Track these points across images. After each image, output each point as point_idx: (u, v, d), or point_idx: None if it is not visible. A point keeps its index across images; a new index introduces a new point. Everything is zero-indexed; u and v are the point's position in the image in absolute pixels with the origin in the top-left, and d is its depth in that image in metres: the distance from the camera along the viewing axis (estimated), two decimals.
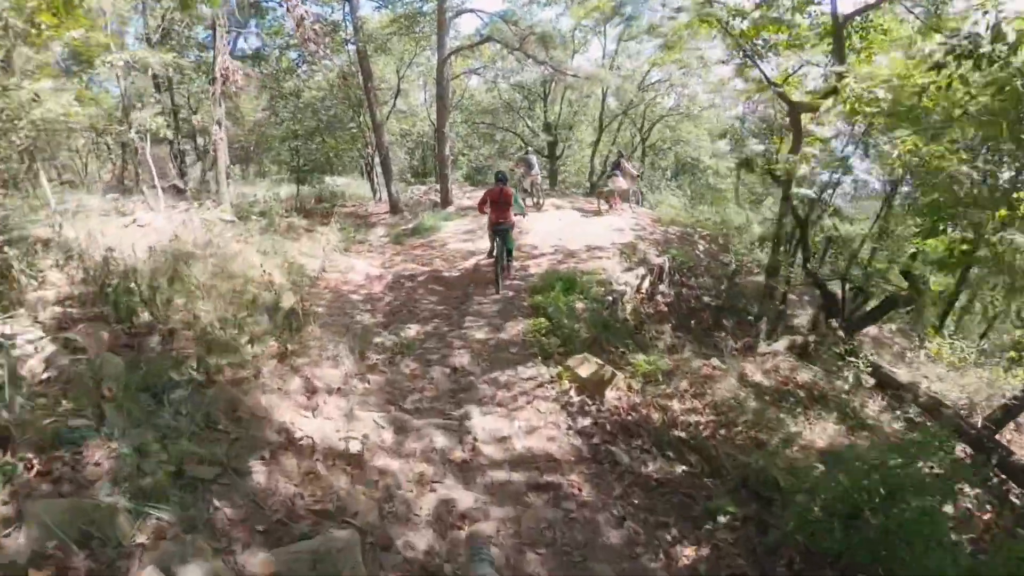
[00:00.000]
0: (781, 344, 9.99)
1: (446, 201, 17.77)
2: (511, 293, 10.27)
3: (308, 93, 20.56)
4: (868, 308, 12.93)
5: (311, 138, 19.74)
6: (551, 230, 14.27)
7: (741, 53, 11.75)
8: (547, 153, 25.83)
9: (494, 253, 10.71)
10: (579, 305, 9.29)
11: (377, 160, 19.38)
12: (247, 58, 18.79)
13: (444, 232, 14.34)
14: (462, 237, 13.81)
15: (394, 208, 18.12)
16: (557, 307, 8.72)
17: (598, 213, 16.48)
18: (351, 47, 18.21)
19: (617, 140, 26.44)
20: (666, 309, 12.56)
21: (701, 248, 16.41)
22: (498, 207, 10.67)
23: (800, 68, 13.24)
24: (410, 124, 31.40)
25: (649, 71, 22.31)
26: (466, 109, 28.10)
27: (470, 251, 12.72)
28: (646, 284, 12.41)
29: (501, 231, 10.55)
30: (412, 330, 8.67)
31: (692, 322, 12.85)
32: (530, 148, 17.14)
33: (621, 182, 16.78)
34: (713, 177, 31.83)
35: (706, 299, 14.10)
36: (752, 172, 18.67)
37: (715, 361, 8.57)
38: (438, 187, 18.84)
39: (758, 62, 11.62)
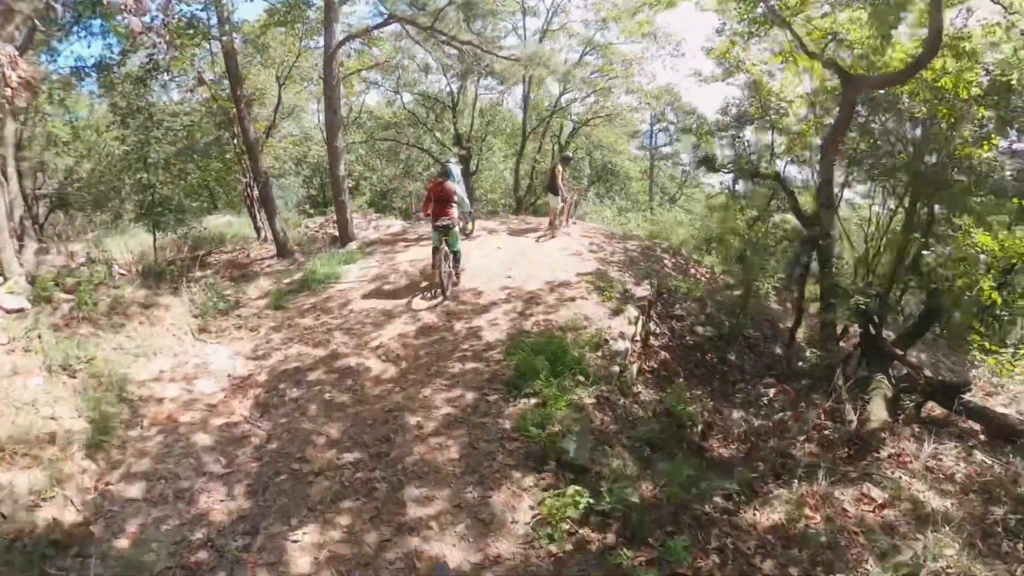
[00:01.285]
0: (878, 408, 6.52)
1: (346, 236, 13.52)
2: (470, 395, 6.27)
3: (167, 109, 15.68)
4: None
5: (168, 167, 14.67)
6: (493, 264, 10.48)
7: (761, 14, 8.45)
8: (460, 169, 21.99)
9: (437, 259, 9.12)
10: (586, 399, 5.46)
11: (261, 191, 14.71)
12: (82, 69, 13.58)
13: (345, 281, 10.17)
14: (371, 287, 9.83)
15: (282, 250, 13.69)
16: (568, 431, 4.81)
17: (547, 234, 12.76)
18: (215, 43, 13.69)
19: (540, 148, 22.97)
20: (668, 357, 9.00)
21: (668, 264, 13.12)
22: (438, 204, 9.39)
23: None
24: (304, 148, 27.03)
25: (582, 57, 18.89)
26: (364, 127, 23.86)
27: (384, 311, 8.68)
28: (640, 329, 8.79)
29: (441, 228, 9.21)
30: (301, 545, 4.28)
31: (698, 368, 9.49)
32: (452, 156, 12.93)
33: (564, 194, 13.16)
34: (635, 183, 29.21)
35: (698, 329, 10.76)
36: (714, 171, 15.83)
37: (872, 490, 4.86)
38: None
39: (792, 20, 8.34)
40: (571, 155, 13.19)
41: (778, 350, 11.14)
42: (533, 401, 5.80)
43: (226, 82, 14.07)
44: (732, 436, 6.85)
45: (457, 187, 9.53)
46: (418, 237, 12.56)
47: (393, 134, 22.66)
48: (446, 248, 9.05)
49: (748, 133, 14.16)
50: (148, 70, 13.28)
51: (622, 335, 8.32)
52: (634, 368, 8.02)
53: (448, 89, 22.13)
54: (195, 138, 15.35)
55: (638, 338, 8.80)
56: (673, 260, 13.63)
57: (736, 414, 8.47)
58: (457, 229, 9.58)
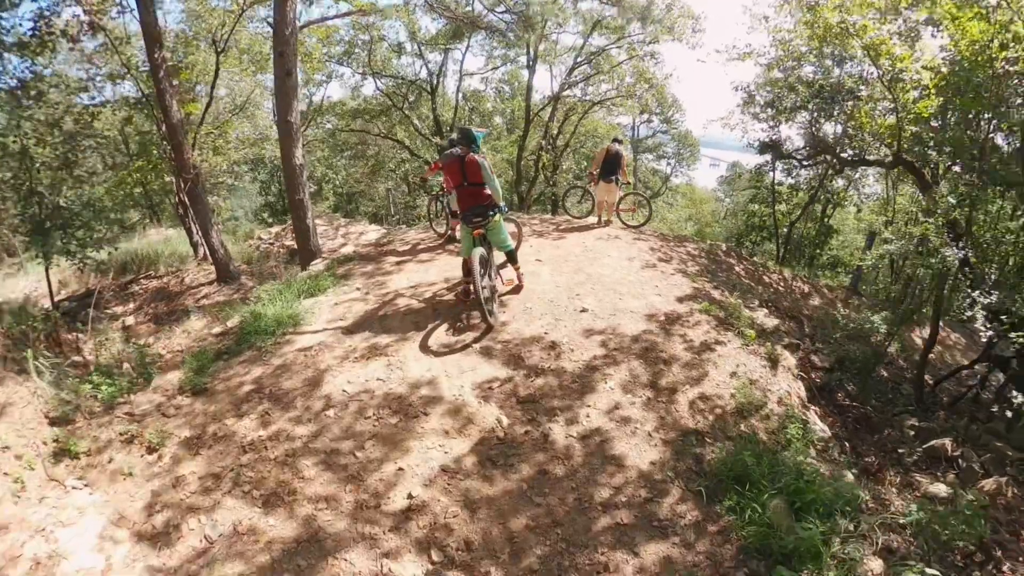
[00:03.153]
0: None
1: (308, 250, 9.52)
2: None
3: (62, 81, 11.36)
4: None
5: (66, 166, 10.35)
6: (547, 287, 6.75)
7: None
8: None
9: (472, 273, 5.47)
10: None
11: (188, 193, 10.57)
12: None
13: (311, 330, 5.84)
14: (358, 341, 5.50)
15: (223, 273, 9.71)
16: None
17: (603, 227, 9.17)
18: None
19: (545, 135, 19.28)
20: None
21: (740, 271, 9.76)
22: (464, 191, 5.84)
23: None
24: (259, 149, 22.88)
25: (593, 30, 15.21)
26: (325, 125, 19.79)
27: (394, 397, 4.59)
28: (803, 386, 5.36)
29: (476, 222, 5.83)
30: None
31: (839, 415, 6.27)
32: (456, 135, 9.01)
33: (617, 185, 9.62)
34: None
35: (814, 359, 7.71)
36: (783, 157, 12.49)
37: None
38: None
39: None
40: (623, 137, 9.70)
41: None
42: None
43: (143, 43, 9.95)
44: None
45: (485, 163, 5.84)
46: (411, 247, 8.73)
47: (361, 125, 18.61)
48: (483, 252, 5.68)
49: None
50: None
51: (802, 403, 4.84)
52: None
53: (426, 71, 18.31)
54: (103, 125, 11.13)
55: (802, 397, 5.34)
56: (741, 265, 10.22)
57: (939, 487, 5.41)
58: (500, 217, 6.04)
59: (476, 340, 5.35)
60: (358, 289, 6.95)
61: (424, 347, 5.18)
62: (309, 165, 25.18)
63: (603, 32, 15.60)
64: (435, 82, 18.32)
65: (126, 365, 5.38)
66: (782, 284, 10.64)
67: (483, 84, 20.55)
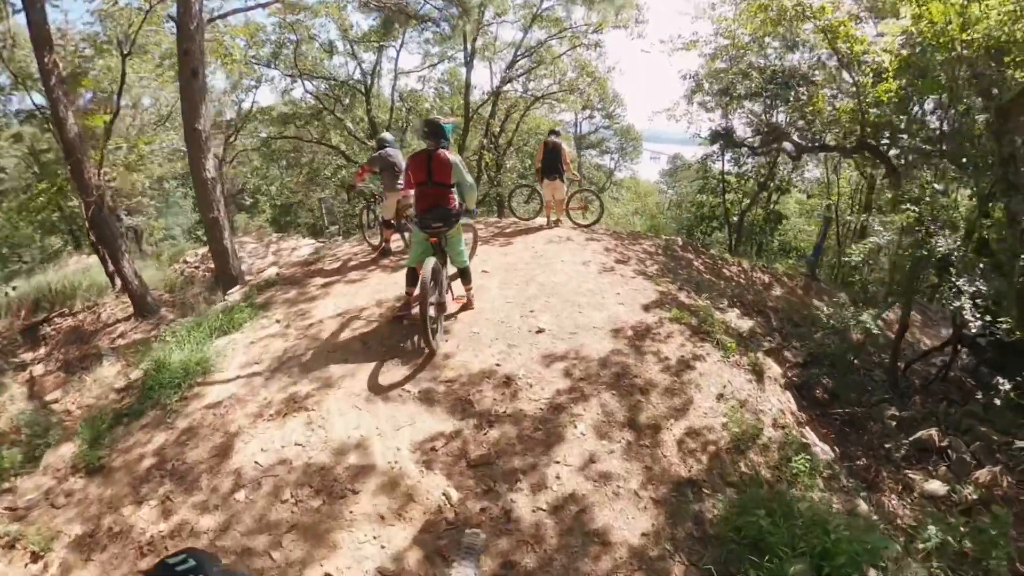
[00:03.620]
0: None
1: (228, 274, 8.39)
2: None
3: None
4: None
5: None
6: (497, 302, 5.89)
7: None
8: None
9: (421, 286, 4.57)
10: None
11: (91, 217, 9.18)
12: None
13: (223, 378, 4.76)
14: (273, 391, 4.43)
15: (140, 306, 8.52)
16: None
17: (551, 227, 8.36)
18: None
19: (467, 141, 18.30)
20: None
21: (699, 265, 9.18)
22: (426, 190, 4.97)
23: None
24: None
25: (533, 20, 14.31)
26: (258, 126, 18.35)
27: (317, 468, 3.52)
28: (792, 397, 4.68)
29: (435, 228, 5.01)
30: None
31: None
32: (387, 135, 7.82)
33: (560, 181, 8.82)
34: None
35: (787, 355, 7.19)
36: (735, 145, 11.94)
37: None
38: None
39: None
40: (560, 129, 8.87)
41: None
42: None
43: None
44: None
45: (457, 160, 4.97)
46: (341, 264, 7.71)
47: (293, 131, 17.27)
48: (436, 263, 4.83)
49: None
50: None
51: (797, 420, 4.14)
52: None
53: (359, 71, 17.12)
54: None
55: (795, 413, 4.65)
56: (699, 259, 9.60)
57: (934, 484, 5.03)
58: (460, 229, 5.31)
59: (415, 373, 4.42)
60: (278, 322, 5.84)
61: (352, 394, 4.19)
62: (241, 176, 23.55)
63: (544, 25, 14.81)
64: (369, 82, 17.15)
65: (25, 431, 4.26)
66: (742, 276, 10.08)
67: (421, 84, 19.46)
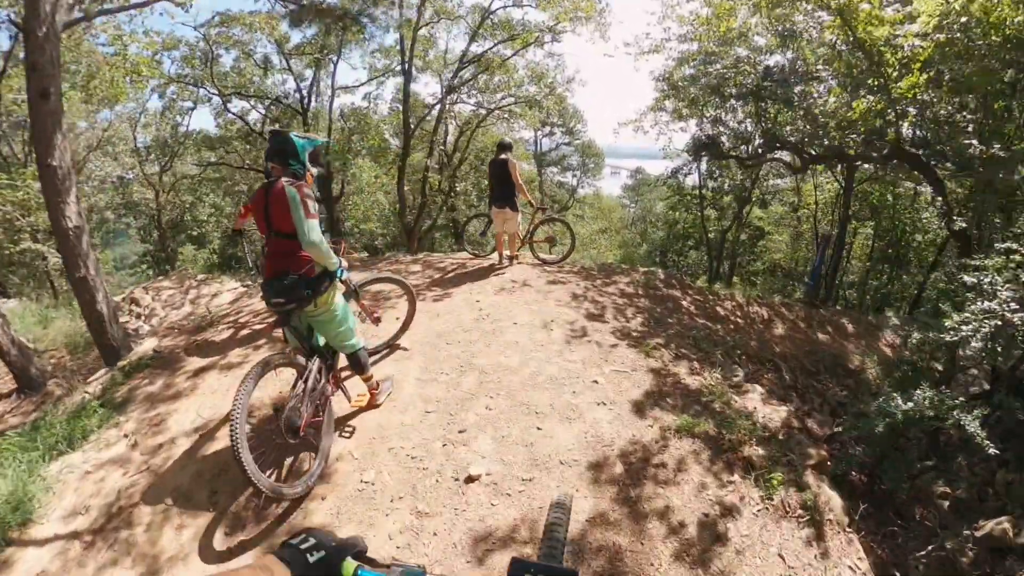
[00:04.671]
0: None
1: (106, 345, 6.07)
2: None
3: None
4: None
5: None
6: (411, 417, 3.62)
7: None
8: (320, 195, 14.77)
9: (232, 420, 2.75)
10: None
11: None
12: None
13: (39, 540, 2.88)
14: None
15: (23, 379, 6.19)
16: None
17: (502, 270, 6.23)
18: None
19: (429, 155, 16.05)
20: None
21: (687, 304, 7.20)
22: (269, 243, 3.13)
23: None
24: (127, 190, 19.19)
25: (483, 21, 12.13)
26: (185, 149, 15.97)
27: None
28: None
29: (278, 304, 3.13)
30: None
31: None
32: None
33: (524, 202, 6.74)
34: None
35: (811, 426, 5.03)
36: (722, 157, 9.94)
37: None
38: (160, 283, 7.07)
39: None
40: (511, 142, 6.80)
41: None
42: None
43: None
44: None
45: (296, 196, 2.83)
46: (233, 332, 5.59)
47: (220, 154, 14.86)
48: (301, 361, 3.24)
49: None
50: None
51: None
52: None
53: (296, 89, 14.85)
54: None
55: None
56: (687, 297, 7.59)
57: None
58: (333, 296, 3.30)
59: None
60: (126, 437, 3.92)
61: None
62: (175, 208, 20.88)
63: (492, 31, 12.76)
64: (306, 100, 14.88)
65: None
66: (739, 314, 8.11)
67: (367, 101, 17.22)
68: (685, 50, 9.39)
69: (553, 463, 3.14)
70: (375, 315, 4.26)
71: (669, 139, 10.45)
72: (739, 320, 7.83)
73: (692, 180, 13.38)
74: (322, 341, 3.40)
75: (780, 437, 3.92)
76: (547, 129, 29.13)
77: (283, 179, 3.00)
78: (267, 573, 0.82)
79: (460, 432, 3.40)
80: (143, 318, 10.04)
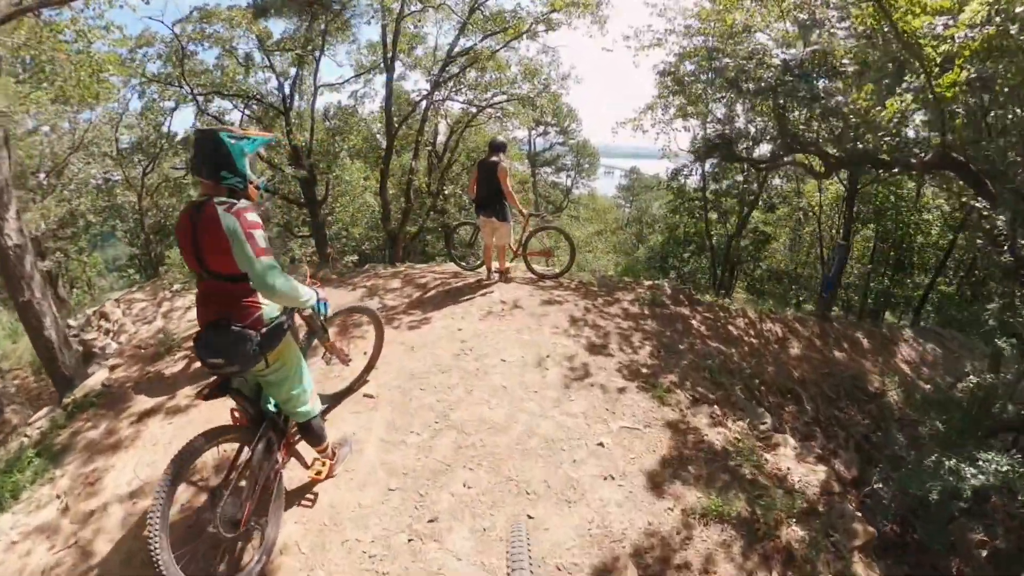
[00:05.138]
0: None
1: (58, 375, 5.29)
2: None
3: None
4: None
5: None
6: (371, 498, 2.85)
7: None
8: (304, 199, 13.97)
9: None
10: None
11: None
12: None
13: None
14: None
15: None
16: None
17: (491, 286, 5.44)
18: None
19: (404, 161, 15.18)
20: None
21: (697, 323, 6.44)
22: (200, 285, 2.40)
23: None
24: (110, 193, 18.52)
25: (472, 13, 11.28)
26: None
27: None
28: None
29: (215, 365, 2.33)
30: None
31: None
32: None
33: (514, 211, 5.93)
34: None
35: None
36: (733, 159, 9.11)
37: None
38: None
39: None
40: (504, 142, 5.99)
41: None
42: None
43: None
44: None
45: (235, 226, 2.05)
46: (187, 363, 4.84)
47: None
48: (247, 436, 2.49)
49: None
50: None
51: None
52: None
53: (278, 86, 13.99)
54: None
55: None
56: (696, 315, 6.83)
57: None
58: (286, 353, 2.54)
59: None
60: (58, 499, 3.29)
61: None
62: (158, 212, 19.98)
63: (484, 27, 11.93)
64: (288, 98, 14.02)
65: None
66: (752, 331, 7.37)
67: (353, 100, 16.36)
68: (688, 44, 8.64)
69: (548, 570, 2.37)
70: (345, 356, 3.51)
71: (669, 139, 9.73)
72: (753, 340, 7.09)
73: (692, 182, 12.66)
74: (274, 403, 2.64)
75: (820, 508, 3.16)
76: (541, 129, 28.35)
77: (215, 200, 2.21)
78: None
79: (430, 522, 2.62)
80: (112, 334, 9.22)
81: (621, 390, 3.88)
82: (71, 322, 10.50)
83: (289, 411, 2.62)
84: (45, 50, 11.18)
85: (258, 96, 14.36)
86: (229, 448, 2.59)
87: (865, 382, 7.88)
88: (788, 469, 3.50)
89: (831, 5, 6.30)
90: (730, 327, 7.04)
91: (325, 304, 2.72)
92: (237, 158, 2.30)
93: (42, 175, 16.17)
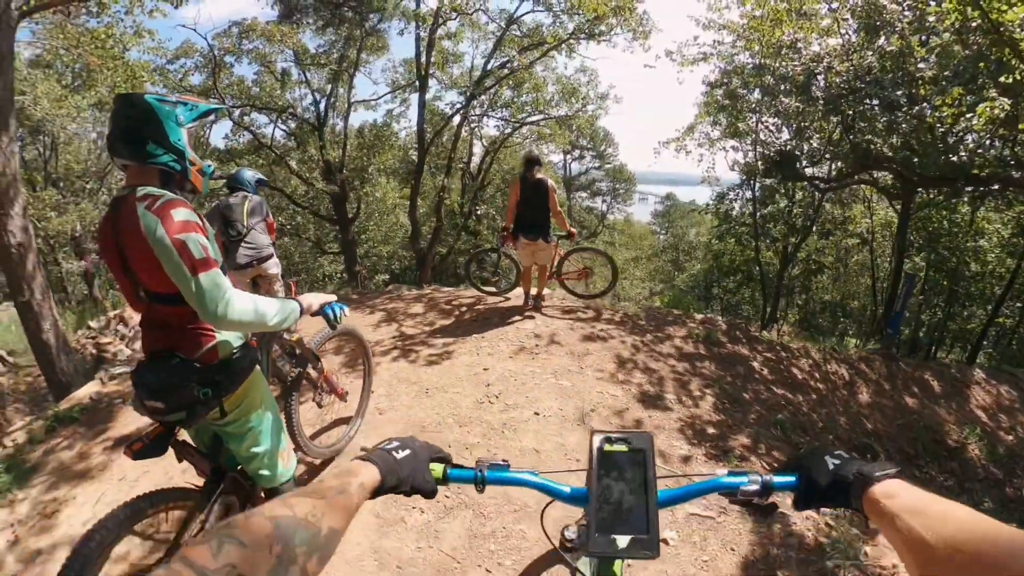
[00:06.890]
0: None
1: (55, 381, 5.17)
2: None
3: None
4: None
5: None
6: None
7: None
8: (335, 216, 13.44)
9: None
10: None
11: None
12: None
13: None
14: None
15: None
16: None
17: (529, 313, 4.59)
18: None
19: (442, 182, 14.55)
20: None
21: (765, 373, 5.41)
22: (143, 310, 1.60)
23: None
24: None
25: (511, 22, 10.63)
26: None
27: None
28: None
29: (156, 412, 1.58)
30: None
31: None
32: (246, 171, 4.14)
33: (546, 241, 5.04)
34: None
35: None
36: (795, 178, 8.11)
37: None
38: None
39: None
40: (539, 156, 5.23)
41: None
42: None
43: None
44: None
45: (163, 238, 1.39)
46: None
47: (226, 172, 13.61)
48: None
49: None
50: None
51: None
52: None
53: (314, 101, 13.65)
54: None
55: None
56: (757, 355, 5.85)
57: None
58: (257, 402, 1.74)
59: None
60: (12, 528, 2.86)
61: None
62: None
63: (520, 42, 11.29)
64: (323, 113, 13.64)
65: None
66: (816, 374, 6.32)
67: (388, 117, 15.93)
68: (736, 60, 7.81)
69: None
70: (341, 390, 2.76)
71: (713, 161, 8.81)
72: (819, 385, 6.04)
73: (737, 207, 11.67)
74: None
75: None
76: (577, 152, 27.63)
77: (137, 192, 1.47)
78: (353, 476, 0.73)
79: None
80: (127, 340, 8.68)
81: (685, 459, 2.97)
82: (92, 323, 9.99)
83: (253, 474, 1.82)
84: (81, 54, 10.97)
85: (292, 110, 14.00)
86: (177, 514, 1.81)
87: (942, 434, 6.75)
88: (894, 568, 2.55)
89: (903, 5, 5.38)
90: (793, 369, 6.03)
91: (337, 307, 1.83)
92: (170, 128, 1.53)
93: (88, 181, 16.19)
